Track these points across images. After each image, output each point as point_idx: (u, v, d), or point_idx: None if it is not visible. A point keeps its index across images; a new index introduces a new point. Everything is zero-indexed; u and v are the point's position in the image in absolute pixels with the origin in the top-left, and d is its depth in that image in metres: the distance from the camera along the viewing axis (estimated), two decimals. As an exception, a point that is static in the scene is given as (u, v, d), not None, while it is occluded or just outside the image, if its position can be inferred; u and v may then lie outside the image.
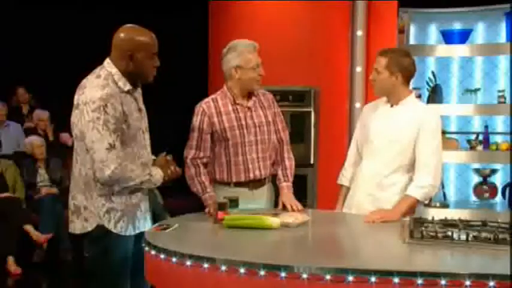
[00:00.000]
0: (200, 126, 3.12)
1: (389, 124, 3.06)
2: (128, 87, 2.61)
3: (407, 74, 3.04)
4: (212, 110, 3.13)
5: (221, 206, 2.73)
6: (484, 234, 2.34)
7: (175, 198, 6.32)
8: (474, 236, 2.33)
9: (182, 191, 5.92)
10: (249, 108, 3.16)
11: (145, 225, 2.75)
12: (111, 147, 2.48)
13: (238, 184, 3.16)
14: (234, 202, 2.84)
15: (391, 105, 3.09)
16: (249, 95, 3.17)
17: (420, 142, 2.98)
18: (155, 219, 6.21)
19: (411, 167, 3.04)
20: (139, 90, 2.75)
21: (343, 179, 3.33)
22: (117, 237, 2.62)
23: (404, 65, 3.02)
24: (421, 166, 2.97)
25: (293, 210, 3.01)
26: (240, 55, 3.08)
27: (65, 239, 5.58)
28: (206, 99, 3.19)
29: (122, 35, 2.61)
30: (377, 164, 3.08)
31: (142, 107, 2.76)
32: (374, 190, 3.08)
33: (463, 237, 2.31)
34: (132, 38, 2.60)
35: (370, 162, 3.12)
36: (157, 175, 2.69)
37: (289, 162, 3.26)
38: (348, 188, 3.29)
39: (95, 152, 2.49)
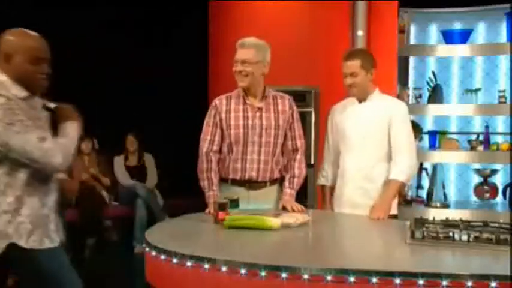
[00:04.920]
0: (212, 120, 3.18)
1: (361, 119, 3.22)
2: (23, 93, 2.40)
3: (375, 68, 3.23)
4: (223, 106, 3.17)
5: (221, 206, 2.72)
6: (485, 235, 2.34)
7: (176, 199, 6.32)
8: (475, 237, 2.32)
9: (182, 191, 5.95)
10: (259, 108, 3.15)
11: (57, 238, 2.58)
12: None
13: (234, 182, 3.18)
14: (234, 202, 2.83)
15: (360, 102, 3.25)
16: (263, 95, 3.17)
17: (393, 130, 3.19)
18: (154, 220, 6.23)
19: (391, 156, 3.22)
20: (47, 103, 2.54)
21: (323, 179, 3.47)
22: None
23: (373, 60, 3.24)
24: (398, 151, 3.17)
25: (293, 211, 3.01)
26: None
27: (64, 240, 5.56)
28: (222, 96, 3.23)
29: (3, 36, 2.44)
30: (360, 157, 3.22)
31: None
32: (363, 182, 3.21)
33: (465, 237, 2.31)
34: (11, 39, 2.42)
35: (352, 156, 3.25)
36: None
37: (299, 171, 3.24)
38: (330, 187, 3.42)
39: None
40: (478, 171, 5.23)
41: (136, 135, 6.49)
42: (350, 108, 3.28)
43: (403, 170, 3.14)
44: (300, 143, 3.25)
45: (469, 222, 2.61)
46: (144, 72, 6.81)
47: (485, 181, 5.19)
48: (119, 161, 6.47)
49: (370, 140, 3.20)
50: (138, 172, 6.43)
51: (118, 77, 6.75)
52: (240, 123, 3.12)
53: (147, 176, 6.44)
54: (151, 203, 6.13)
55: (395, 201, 3.27)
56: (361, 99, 3.25)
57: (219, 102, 3.19)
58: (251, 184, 3.17)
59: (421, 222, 2.60)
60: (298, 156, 3.25)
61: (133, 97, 6.84)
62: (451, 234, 2.35)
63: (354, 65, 3.16)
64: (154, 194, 6.37)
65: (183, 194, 5.99)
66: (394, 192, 3.15)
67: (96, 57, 6.53)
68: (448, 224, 2.57)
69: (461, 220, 2.59)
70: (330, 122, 3.44)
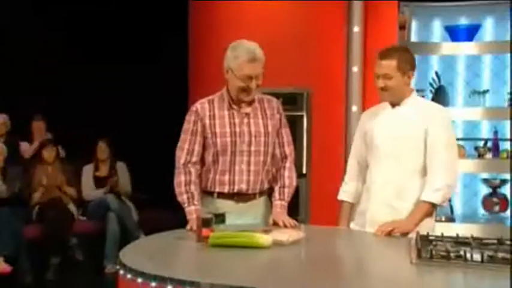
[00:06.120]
0: (192, 127, 3.10)
1: (393, 126, 3.07)
2: None
3: (415, 69, 3.10)
4: (206, 111, 3.10)
5: (205, 222, 2.67)
6: (500, 254, 2.31)
7: (152, 212, 6.26)
8: (490, 256, 2.29)
9: (160, 204, 5.89)
10: (246, 114, 3.10)
11: None
12: None
13: (221, 196, 3.13)
14: (220, 217, 2.79)
15: (393, 107, 3.11)
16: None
17: (430, 139, 2.99)
18: (127, 237, 6.16)
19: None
20: None
21: (344, 194, 3.30)
22: None
23: (413, 60, 3.08)
24: (434, 166, 2.98)
25: (285, 227, 2.98)
26: (235, 58, 2.98)
27: (24, 260, 5.48)
28: (202, 100, 3.16)
29: None
30: (389, 169, 3.06)
31: None
32: (391, 199, 3.05)
33: (477, 257, 2.28)
34: None
35: (381, 168, 3.09)
36: None
37: (289, 181, 3.20)
38: (351, 204, 3.27)
39: None
40: (486, 181, 5.25)
41: (107, 142, 6.43)
42: (381, 114, 3.13)
43: (438, 189, 2.94)
44: (288, 150, 3.22)
45: (481, 239, 2.58)
46: (117, 73, 6.76)
47: (494, 192, 5.21)
48: (88, 171, 6.40)
49: (403, 150, 3.03)
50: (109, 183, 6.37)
51: (87, 78, 6.69)
52: (227, 130, 3.07)
53: (120, 187, 6.38)
54: (125, 217, 6.07)
55: (433, 221, 3.09)
56: (396, 104, 3.10)
57: (201, 106, 3.12)
58: (240, 196, 3.12)
59: (427, 239, 2.57)
60: (287, 164, 3.22)
61: (105, 100, 6.77)
62: (462, 253, 2.32)
63: (389, 65, 2.99)
64: (128, 207, 6.30)
65: (160, 207, 5.94)
66: (422, 216, 2.95)
67: (59, 61, 6.48)
68: (458, 241, 2.55)
69: (472, 237, 2.57)
70: (358, 129, 3.30)
